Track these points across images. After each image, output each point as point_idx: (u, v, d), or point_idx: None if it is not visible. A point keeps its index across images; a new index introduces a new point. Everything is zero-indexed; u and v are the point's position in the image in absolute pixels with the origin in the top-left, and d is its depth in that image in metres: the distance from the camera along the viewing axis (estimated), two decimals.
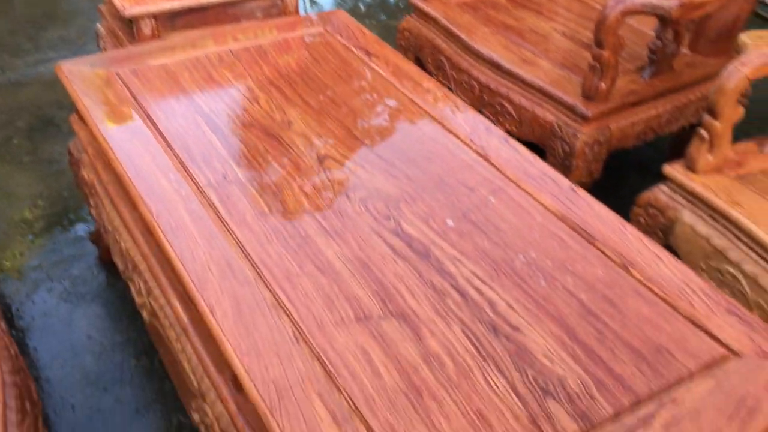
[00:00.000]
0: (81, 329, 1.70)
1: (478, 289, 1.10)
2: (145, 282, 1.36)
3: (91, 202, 1.61)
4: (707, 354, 1.00)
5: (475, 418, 0.92)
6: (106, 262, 1.86)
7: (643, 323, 1.05)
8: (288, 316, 1.05)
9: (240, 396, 1.06)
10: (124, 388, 1.58)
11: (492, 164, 1.37)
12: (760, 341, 1.02)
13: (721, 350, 1.01)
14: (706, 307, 1.07)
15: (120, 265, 1.49)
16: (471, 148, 1.42)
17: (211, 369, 1.13)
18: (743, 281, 1.40)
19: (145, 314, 1.39)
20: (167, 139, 1.40)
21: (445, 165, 1.37)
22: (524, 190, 1.31)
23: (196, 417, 1.21)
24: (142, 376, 1.61)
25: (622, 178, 2.12)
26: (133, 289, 1.43)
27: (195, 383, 1.19)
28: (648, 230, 1.58)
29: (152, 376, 1.61)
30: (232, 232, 1.19)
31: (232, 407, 1.07)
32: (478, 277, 1.12)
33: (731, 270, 1.42)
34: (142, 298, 1.39)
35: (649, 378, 0.97)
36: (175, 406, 1.54)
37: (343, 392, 0.95)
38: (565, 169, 1.80)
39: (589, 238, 1.20)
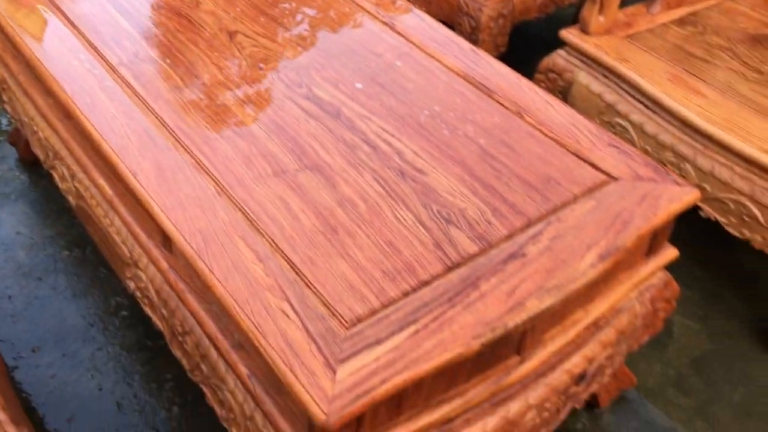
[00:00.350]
0: (9, 226, 1.72)
1: (386, 141, 1.19)
2: (68, 166, 1.39)
3: (4, 98, 1.60)
4: (589, 180, 1.12)
5: (385, 247, 1.02)
6: (27, 162, 1.86)
7: (535, 160, 1.16)
8: (209, 175, 1.11)
9: (170, 254, 1.13)
10: (59, 277, 1.62)
11: (398, 33, 1.43)
12: (636, 167, 1.15)
13: (602, 176, 1.13)
14: (590, 142, 1.19)
15: (41, 156, 1.51)
16: (378, 19, 1.47)
17: (141, 236, 1.19)
18: (631, 131, 1.54)
19: (71, 199, 1.43)
20: (74, 23, 1.40)
21: (354, 36, 1.42)
22: (428, 53, 1.38)
23: (131, 285, 1.28)
24: (76, 265, 1.65)
25: (529, 53, 2.21)
26: (56, 177, 1.46)
27: (127, 253, 1.25)
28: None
29: (86, 265, 1.66)
30: (149, 105, 1.23)
31: (164, 265, 1.14)
32: (386, 131, 1.20)
33: (621, 122, 1.56)
34: (66, 183, 1.42)
35: (538, 203, 1.08)
36: (111, 290, 1.60)
37: (265, 235, 1.03)
38: (472, 43, 1.87)
39: (488, 92, 1.29)
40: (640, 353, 1.48)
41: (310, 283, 0.96)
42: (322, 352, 0.88)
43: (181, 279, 1.12)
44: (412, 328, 0.91)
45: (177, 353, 1.18)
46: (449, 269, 0.99)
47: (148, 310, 1.24)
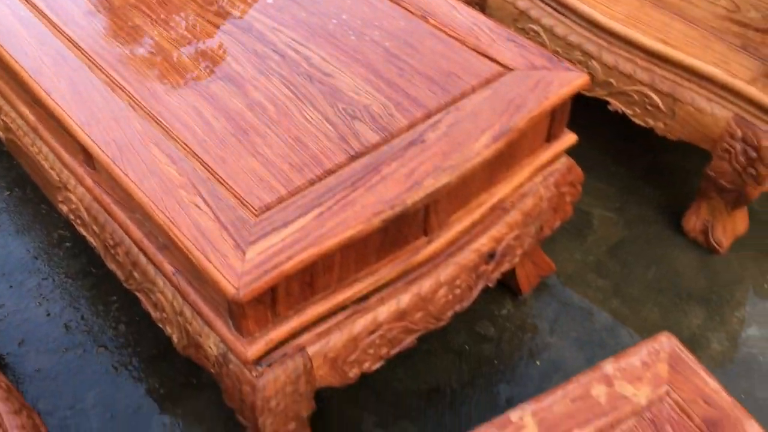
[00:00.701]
0: None
1: (295, 50, 1.23)
2: None
3: None
4: (487, 72, 1.18)
5: (293, 143, 1.08)
6: None
7: (438, 58, 1.22)
8: (123, 90, 1.16)
9: (94, 171, 1.18)
10: (1, 216, 1.66)
11: None
12: (531, 58, 1.21)
13: (499, 68, 1.19)
14: (489, 38, 1.25)
15: None
16: None
17: (66, 158, 1.24)
18: (543, 34, 1.60)
19: (1, 134, 1.46)
20: None
21: None
22: None
23: (64, 209, 1.33)
24: (17, 204, 1.69)
25: None
26: None
27: (56, 176, 1.29)
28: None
29: (27, 203, 1.69)
30: (62, 30, 1.26)
31: (89, 182, 1.19)
32: (295, 41, 1.25)
33: (534, 27, 1.61)
34: None
35: (439, 96, 1.15)
36: (53, 224, 1.64)
37: (178, 140, 1.08)
38: None
39: None
40: (560, 244, 1.58)
41: (222, 179, 1.02)
42: (233, 236, 0.95)
43: (106, 193, 1.17)
44: (316, 211, 0.98)
45: (112, 266, 1.24)
46: (353, 158, 1.05)
47: (81, 230, 1.29)
